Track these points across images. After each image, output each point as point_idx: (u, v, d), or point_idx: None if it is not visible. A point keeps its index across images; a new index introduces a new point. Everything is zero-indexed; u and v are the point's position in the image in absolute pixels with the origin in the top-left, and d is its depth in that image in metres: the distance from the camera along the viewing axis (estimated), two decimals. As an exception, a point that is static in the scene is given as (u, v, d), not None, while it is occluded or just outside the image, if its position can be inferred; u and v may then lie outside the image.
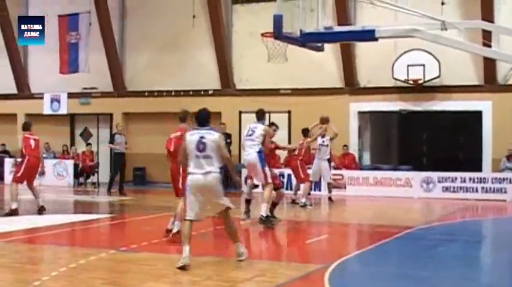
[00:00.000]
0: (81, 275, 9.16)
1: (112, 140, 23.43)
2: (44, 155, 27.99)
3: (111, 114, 29.12)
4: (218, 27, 26.97)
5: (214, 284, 8.62)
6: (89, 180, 27.29)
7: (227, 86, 27.28)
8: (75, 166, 27.02)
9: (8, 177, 27.92)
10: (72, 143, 29.73)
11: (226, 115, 26.20)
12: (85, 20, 28.50)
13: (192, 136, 9.97)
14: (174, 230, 11.67)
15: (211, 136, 9.91)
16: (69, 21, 28.86)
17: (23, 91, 30.68)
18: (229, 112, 26.39)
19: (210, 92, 27.56)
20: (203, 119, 10.27)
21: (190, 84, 27.72)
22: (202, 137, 9.87)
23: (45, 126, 28.17)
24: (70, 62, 29.08)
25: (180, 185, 11.52)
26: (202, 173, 9.70)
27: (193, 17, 27.21)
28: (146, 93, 28.44)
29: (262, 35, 20.20)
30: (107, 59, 28.66)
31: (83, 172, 27.27)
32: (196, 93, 27.55)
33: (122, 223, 15.65)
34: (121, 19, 29.23)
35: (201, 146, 9.78)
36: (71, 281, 8.68)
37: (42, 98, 29.09)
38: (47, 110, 28.73)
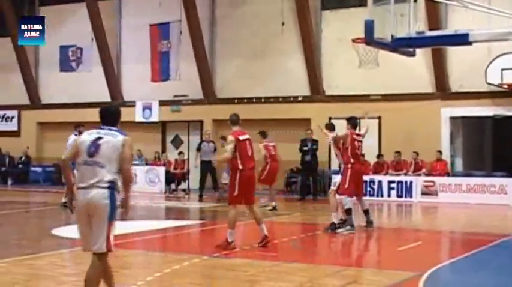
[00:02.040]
0: (175, 280, 9.29)
1: (199, 148, 23.64)
2: (136, 162, 28.60)
3: (201, 122, 29.44)
4: (307, 33, 26.95)
5: (306, 290, 8.61)
6: (180, 186, 27.62)
7: (316, 92, 27.22)
8: (167, 172, 27.40)
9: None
10: (164, 150, 30.17)
11: (315, 122, 26.12)
12: (176, 28, 28.95)
13: (88, 136, 7.39)
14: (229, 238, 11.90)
15: (113, 139, 7.26)
16: (161, 30, 29.36)
17: (116, 99, 31.31)
18: (319, 118, 26.30)
19: (300, 99, 27.56)
20: (109, 116, 7.58)
21: (280, 91, 27.78)
22: (98, 139, 7.25)
23: (137, 133, 28.70)
24: (161, 71, 29.57)
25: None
26: (84, 186, 7.13)
27: (282, 24, 27.27)
28: (236, 101, 28.62)
29: (353, 40, 20.07)
30: (197, 67, 29.00)
31: (174, 179, 27.62)
32: (286, 100, 27.59)
33: (213, 229, 15.78)
34: (211, 27, 29.52)
35: (92, 149, 7.18)
36: (165, 286, 8.81)
37: (134, 106, 29.66)
38: (139, 118, 29.27)
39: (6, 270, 7.96)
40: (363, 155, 15.77)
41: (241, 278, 9.22)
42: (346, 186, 14.42)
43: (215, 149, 23.38)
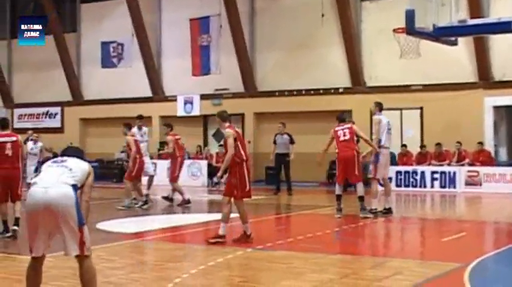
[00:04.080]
0: (220, 273, 9.33)
1: (274, 141, 23.32)
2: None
3: (242, 115, 29.48)
4: (347, 25, 26.84)
5: (351, 282, 8.57)
6: (223, 180, 27.61)
7: (357, 83, 27.10)
8: (209, 166, 27.48)
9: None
10: (206, 144, 30.29)
11: (357, 113, 26.00)
12: (216, 22, 29.05)
13: None
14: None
15: None
16: (201, 24, 29.47)
17: (158, 94, 31.53)
18: (360, 110, 26.21)
19: (340, 90, 27.48)
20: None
21: (320, 83, 27.73)
22: None
23: (179, 127, 28.81)
24: (202, 64, 29.69)
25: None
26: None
27: (322, 15, 27.18)
28: (277, 93, 28.64)
29: (394, 30, 19.91)
30: (238, 60, 29.05)
31: (216, 172, 27.66)
32: (326, 91, 27.54)
33: (256, 221, 15.78)
34: (251, 20, 29.55)
35: None
36: (210, 279, 8.85)
37: (175, 100, 29.83)
38: (180, 112, 29.45)
39: (54, 264, 8.08)
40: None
41: (286, 271, 9.22)
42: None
43: (291, 142, 23.03)
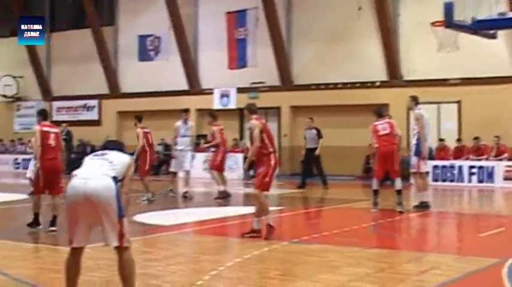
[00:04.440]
0: (256, 266, 9.35)
1: (305, 136, 23.29)
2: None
3: (278, 108, 29.48)
4: (384, 18, 26.68)
5: (387, 276, 8.53)
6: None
7: (394, 77, 26.95)
8: (245, 159, 27.50)
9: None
10: (242, 137, 30.32)
11: (394, 107, 25.87)
12: (252, 15, 29.06)
13: None
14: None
15: None
16: (237, 18, 29.51)
17: (194, 87, 31.65)
18: (397, 104, 26.06)
19: (377, 84, 27.35)
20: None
21: (357, 77, 27.63)
22: None
23: (215, 121, 29.01)
24: (238, 58, 29.73)
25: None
26: None
27: (359, 8, 27.08)
28: (313, 87, 28.59)
29: (432, 24, 19.77)
30: (274, 54, 29.04)
31: (253, 165, 27.68)
32: (363, 85, 27.43)
33: (291, 215, 15.79)
34: (287, 13, 29.50)
35: None
36: (246, 272, 8.88)
37: (212, 93, 29.91)
38: (217, 105, 29.50)
39: (91, 255, 8.15)
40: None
41: (322, 264, 9.21)
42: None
43: (319, 136, 22.95)
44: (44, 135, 12.29)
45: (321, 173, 22.97)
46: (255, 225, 11.37)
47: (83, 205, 6.44)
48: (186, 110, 19.86)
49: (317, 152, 22.47)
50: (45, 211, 12.44)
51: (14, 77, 37.05)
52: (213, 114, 19.64)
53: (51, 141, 12.32)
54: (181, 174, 19.80)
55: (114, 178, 6.57)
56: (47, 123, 12.74)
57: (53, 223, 12.11)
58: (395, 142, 15.32)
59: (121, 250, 6.57)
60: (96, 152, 7.06)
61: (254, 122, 11.55)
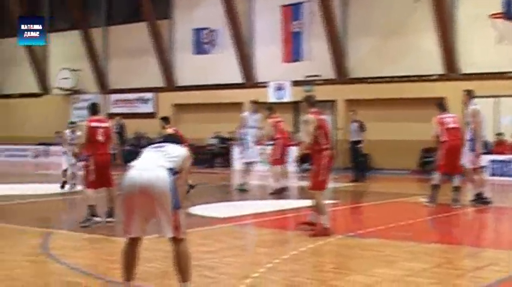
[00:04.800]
0: (311, 259, 9.34)
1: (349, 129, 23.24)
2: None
3: (333, 101, 29.36)
4: (441, 10, 26.31)
5: (444, 271, 8.44)
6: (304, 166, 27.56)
7: (451, 70, 26.58)
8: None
9: (237, 163, 29.04)
10: (296, 130, 30.25)
11: (451, 100, 25.45)
12: (308, 8, 28.99)
13: None
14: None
15: None
16: (293, 11, 29.47)
17: (249, 80, 31.69)
18: (454, 97, 25.66)
19: (434, 77, 27.01)
20: None
21: (413, 70, 27.33)
22: None
23: (270, 114, 29.04)
24: (293, 51, 29.70)
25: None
26: None
27: (416, 1, 26.76)
28: (369, 80, 28.39)
29: (491, 16, 19.45)
30: (329, 47, 28.90)
31: (307, 158, 27.60)
32: (420, 78, 27.13)
33: (346, 208, 15.72)
34: (343, 6, 29.30)
35: None
36: (301, 265, 8.87)
37: (267, 86, 29.91)
38: (272, 98, 29.49)
39: (147, 246, 8.20)
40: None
41: (378, 258, 9.15)
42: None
43: (362, 129, 22.85)
44: (92, 131, 12.31)
45: (359, 167, 22.88)
46: (324, 223, 10.97)
47: (139, 195, 6.49)
48: (255, 102, 19.72)
49: (360, 145, 22.40)
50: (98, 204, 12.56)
51: (72, 70, 37.57)
52: (269, 107, 19.29)
53: (100, 137, 12.33)
54: (242, 165, 19.57)
55: (171, 170, 6.60)
56: (97, 117, 12.70)
57: (110, 214, 12.24)
58: (462, 137, 15.06)
59: (176, 241, 6.60)
60: (154, 144, 7.12)
61: (310, 117, 11.12)
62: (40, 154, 35.19)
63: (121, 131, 31.40)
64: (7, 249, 9.91)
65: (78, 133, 17.81)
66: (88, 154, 12.30)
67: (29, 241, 10.75)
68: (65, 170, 18.89)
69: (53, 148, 32.31)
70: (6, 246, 10.18)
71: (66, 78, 37.68)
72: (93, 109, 12.86)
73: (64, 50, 38.74)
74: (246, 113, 19.15)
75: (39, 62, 39.43)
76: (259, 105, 19.67)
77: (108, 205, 12.30)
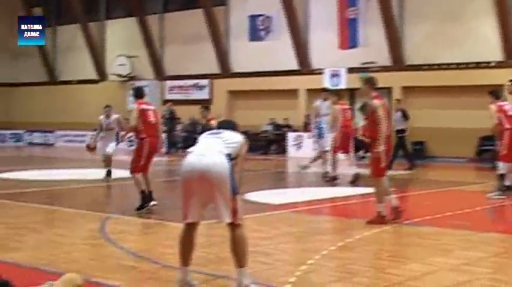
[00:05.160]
0: (367, 247, 9.30)
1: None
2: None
3: (389, 89, 29.10)
4: (501, -5, 25.88)
5: (502, 261, 8.35)
6: (368, 153, 27.39)
7: (511, 57, 26.11)
8: (354, 139, 27.28)
9: (291, 150, 29.07)
10: (352, 117, 30.09)
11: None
12: (364, -5, 28.76)
13: None
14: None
15: None
16: (348, -3, 29.29)
17: (305, 67, 31.59)
18: (513, 84, 25.29)
19: (492, 64, 26.58)
20: None
21: (471, 57, 26.92)
22: None
23: (325, 101, 28.98)
24: (349, 38, 29.50)
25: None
26: None
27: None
28: (425, 67, 28.07)
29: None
30: (386, 33, 28.63)
31: (363, 145, 27.45)
32: (478, 65, 26.72)
33: (402, 196, 15.58)
34: (399, -8, 29.02)
35: None
36: (357, 252, 8.84)
37: (322, 73, 29.79)
38: (327, 85, 29.33)
39: (202, 232, 8.25)
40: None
41: (434, 247, 9.07)
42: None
43: (405, 117, 22.70)
44: (144, 113, 12.37)
45: (394, 156, 22.62)
46: (381, 211, 10.87)
47: (198, 180, 6.52)
48: (325, 90, 19.79)
49: (404, 133, 22.21)
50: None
51: (128, 57, 37.94)
52: (337, 93, 18.95)
53: (152, 119, 12.42)
54: (318, 153, 19.31)
55: (228, 156, 6.63)
56: (144, 101, 12.74)
57: (150, 198, 12.31)
58: None
59: (234, 226, 6.63)
60: (212, 131, 7.15)
61: (377, 103, 10.94)
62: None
63: (172, 118, 31.64)
64: (67, 232, 10.11)
65: (113, 117, 17.95)
66: (141, 137, 12.32)
67: (87, 224, 10.94)
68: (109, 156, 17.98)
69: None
70: (66, 229, 10.39)
71: (122, 64, 38.08)
72: (139, 93, 12.94)
73: (121, 37, 39.16)
74: (318, 102, 18.91)
75: (96, 49, 39.93)
76: (328, 93, 19.32)
77: (148, 189, 12.35)
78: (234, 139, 6.86)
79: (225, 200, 6.50)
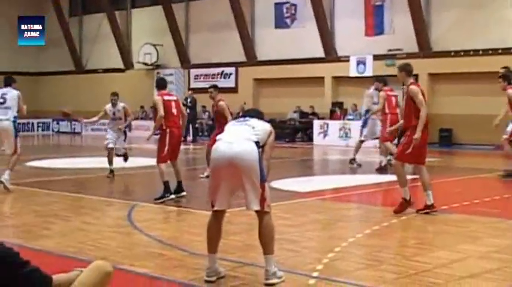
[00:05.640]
0: (394, 234, 9.27)
1: None
2: (351, 117, 28.64)
3: (416, 76, 28.86)
4: (530, -19, 25.60)
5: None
6: (395, 141, 27.26)
7: (536, 43, 25.86)
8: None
9: (317, 138, 29.02)
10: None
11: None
12: (390, -19, 28.56)
13: None
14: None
15: None
16: (375, -16, 29.12)
17: (330, 54, 31.47)
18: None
19: (520, 51, 26.33)
20: None
21: (498, 43, 26.66)
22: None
23: (351, 88, 28.89)
24: (375, 25, 29.35)
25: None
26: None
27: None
28: (452, 53, 27.85)
29: None
30: (412, 20, 28.41)
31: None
32: (505, 52, 26.45)
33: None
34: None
35: None
36: (384, 239, 8.80)
37: (348, 61, 29.66)
38: (352, 73, 29.26)
39: (229, 219, 8.29)
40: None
41: (463, 234, 9.02)
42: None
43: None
44: (167, 104, 12.36)
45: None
46: (427, 200, 10.54)
47: (227, 167, 6.52)
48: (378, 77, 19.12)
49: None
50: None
51: (154, 45, 38.00)
52: (382, 79, 18.39)
53: (174, 110, 12.41)
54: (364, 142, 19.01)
55: (257, 143, 6.62)
56: (166, 91, 12.79)
57: (180, 188, 12.34)
58: None
59: (262, 214, 6.62)
60: (239, 119, 7.14)
61: (414, 89, 10.61)
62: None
63: (193, 106, 31.63)
64: (94, 220, 10.18)
65: (120, 105, 17.14)
66: (164, 128, 12.31)
67: (114, 212, 11.02)
68: (112, 149, 16.53)
69: (135, 122, 32.82)
70: (93, 217, 10.46)
71: (148, 53, 38.16)
72: (162, 83, 13.02)
73: (146, 26, 39.24)
74: (371, 90, 18.50)
75: (122, 38, 40.06)
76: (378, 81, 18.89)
77: (177, 179, 12.39)
78: (262, 127, 6.84)
79: (254, 188, 6.49)
